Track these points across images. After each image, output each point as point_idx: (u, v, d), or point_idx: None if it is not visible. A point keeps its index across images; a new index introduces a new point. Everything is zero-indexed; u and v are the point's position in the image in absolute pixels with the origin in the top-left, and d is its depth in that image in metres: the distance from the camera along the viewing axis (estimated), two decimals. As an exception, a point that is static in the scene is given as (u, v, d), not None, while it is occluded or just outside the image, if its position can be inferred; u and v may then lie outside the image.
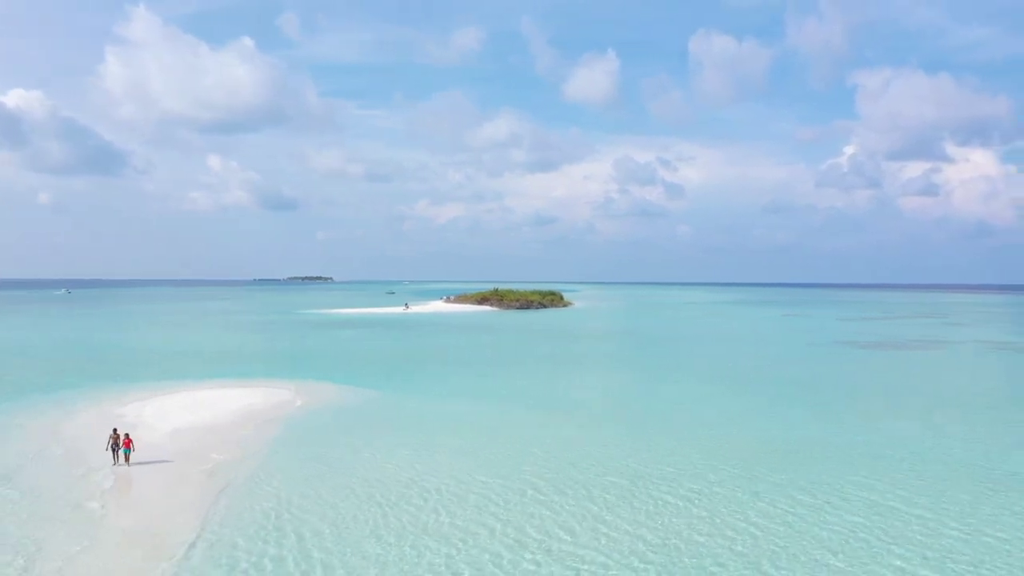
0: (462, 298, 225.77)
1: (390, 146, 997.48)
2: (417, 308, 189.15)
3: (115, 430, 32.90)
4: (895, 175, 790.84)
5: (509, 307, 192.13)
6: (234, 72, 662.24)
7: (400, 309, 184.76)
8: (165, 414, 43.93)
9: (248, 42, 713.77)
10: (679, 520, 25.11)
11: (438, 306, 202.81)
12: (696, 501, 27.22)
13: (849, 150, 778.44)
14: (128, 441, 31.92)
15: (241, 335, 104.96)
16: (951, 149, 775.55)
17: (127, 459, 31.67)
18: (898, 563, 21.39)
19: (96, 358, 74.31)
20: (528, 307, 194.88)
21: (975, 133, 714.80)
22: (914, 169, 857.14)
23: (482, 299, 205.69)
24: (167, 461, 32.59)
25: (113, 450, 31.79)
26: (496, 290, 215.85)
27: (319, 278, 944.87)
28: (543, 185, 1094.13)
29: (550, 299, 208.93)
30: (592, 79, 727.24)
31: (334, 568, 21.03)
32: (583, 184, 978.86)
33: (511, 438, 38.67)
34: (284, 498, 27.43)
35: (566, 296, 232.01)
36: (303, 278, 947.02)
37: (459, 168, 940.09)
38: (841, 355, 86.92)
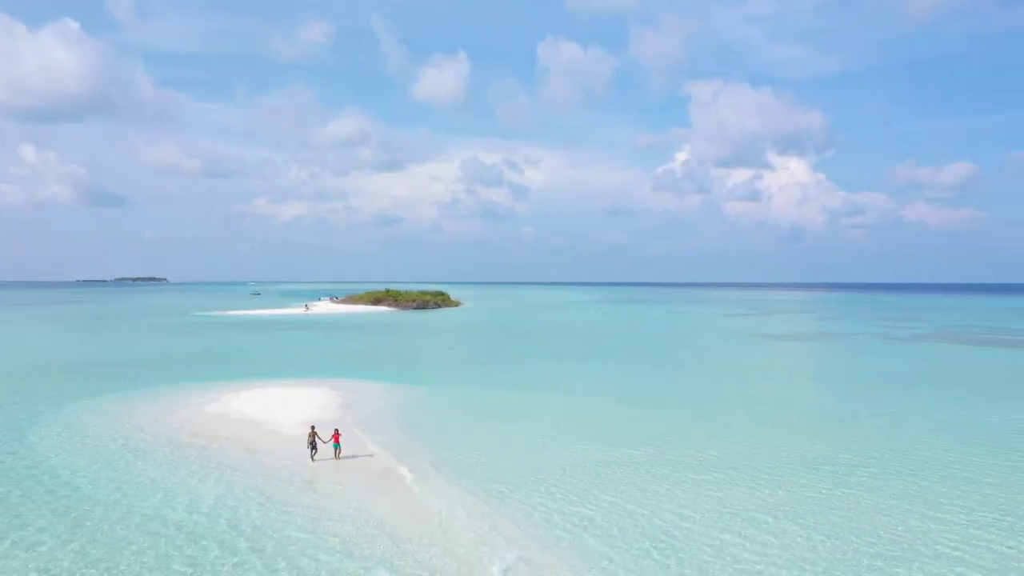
0: (352, 299, 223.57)
1: (230, 142, 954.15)
2: (316, 309, 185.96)
3: (313, 427, 33.89)
4: (722, 181, 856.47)
5: (407, 307, 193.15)
6: (55, 55, 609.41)
7: (301, 310, 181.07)
8: (260, 410, 44.20)
9: (72, 24, 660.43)
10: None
11: (333, 307, 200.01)
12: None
13: (682, 157, 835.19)
14: (337, 436, 33.16)
15: (183, 339, 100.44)
16: (772, 158, 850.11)
17: (336, 453, 32.92)
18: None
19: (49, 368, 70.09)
20: (425, 307, 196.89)
21: (792, 143, 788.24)
22: (739, 176, 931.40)
23: (376, 300, 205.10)
24: (356, 456, 34.00)
25: (312, 446, 32.87)
26: (388, 291, 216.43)
27: (152, 279, 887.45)
28: (389, 185, 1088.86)
29: (441, 299, 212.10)
30: (442, 80, 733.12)
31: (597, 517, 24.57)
32: (430, 184, 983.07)
33: (591, 421, 42.90)
34: (507, 476, 30.26)
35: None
36: (134, 279, 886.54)
37: (303, 166, 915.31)
38: (771, 346, 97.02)
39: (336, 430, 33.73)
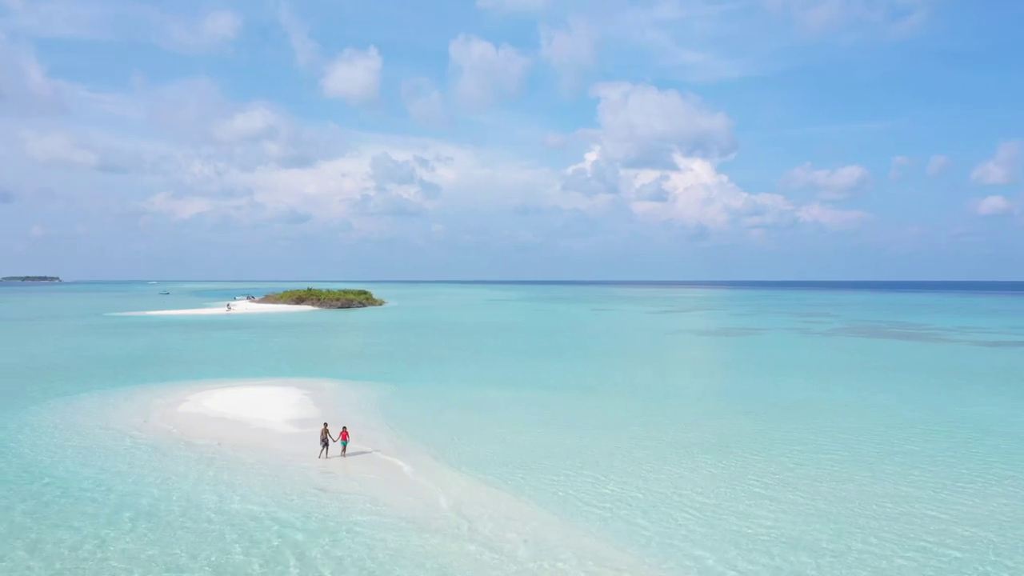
0: (272, 298, 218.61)
1: (126, 135, 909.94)
2: (237, 309, 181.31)
3: (326, 425, 34.15)
4: (631, 181, 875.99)
5: (331, 306, 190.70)
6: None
7: (223, 310, 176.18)
8: (238, 409, 43.90)
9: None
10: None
11: (254, 307, 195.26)
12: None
13: (592, 157, 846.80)
14: (344, 433, 33.65)
15: (113, 341, 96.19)
16: (678, 159, 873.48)
17: (344, 451, 33.43)
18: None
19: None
20: (350, 306, 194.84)
21: (697, 145, 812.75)
22: (647, 176, 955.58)
23: (299, 299, 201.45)
24: (363, 452, 34.57)
25: (324, 443, 33.27)
26: (310, 290, 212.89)
27: (43, 278, 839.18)
28: (299, 181, 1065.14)
29: (365, 298, 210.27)
30: (353, 76, 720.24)
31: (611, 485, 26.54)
32: (340, 181, 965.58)
33: (564, 411, 44.88)
34: (520, 460, 31.69)
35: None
36: (23, 278, 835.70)
37: (207, 161, 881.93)
38: (705, 340, 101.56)
39: (344, 428, 34.20)
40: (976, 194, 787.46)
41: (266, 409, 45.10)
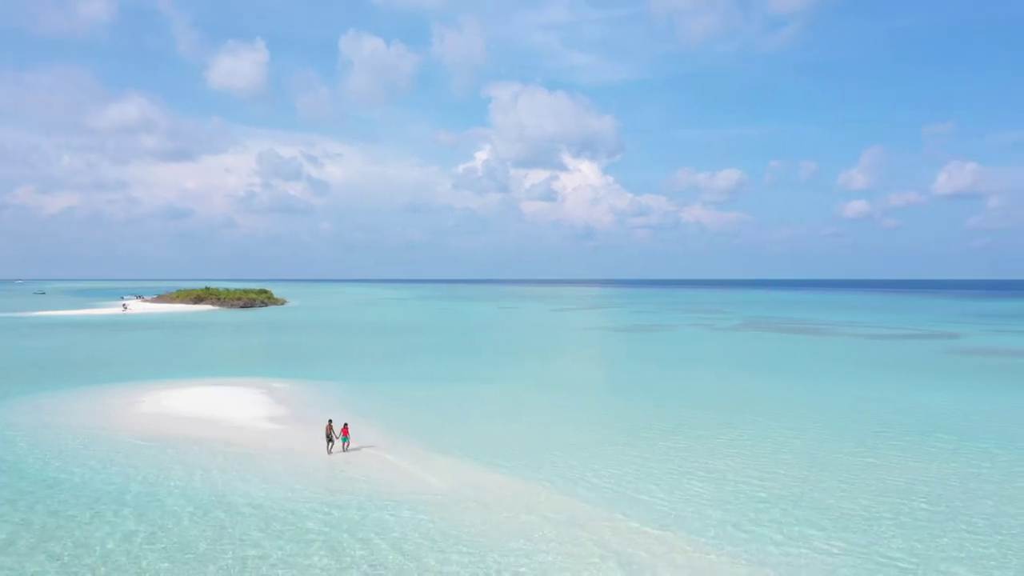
0: (166, 298, 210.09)
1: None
2: (134, 309, 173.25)
3: (330, 421, 34.67)
4: (521, 181, 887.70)
5: (232, 306, 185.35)
6: None
7: (118, 310, 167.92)
8: (203, 409, 43.48)
9: None
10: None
11: (151, 306, 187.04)
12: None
13: (482, 156, 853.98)
14: (346, 429, 34.41)
15: (25, 343, 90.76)
16: (567, 159, 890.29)
17: (345, 446, 34.19)
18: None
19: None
20: (252, 305, 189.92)
21: (586, 146, 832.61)
22: (537, 176, 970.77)
23: (197, 298, 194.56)
24: (359, 449, 35.40)
25: (329, 439, 33.89)
26: (208, 289, 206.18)
27: None
28: (178, 176, 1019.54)
29: (266, 297, 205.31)
30: (238, 68, 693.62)
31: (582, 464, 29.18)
32: (223, 176, 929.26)
33: (519, 403, 47.23)
34: (500, 449, 33.59)
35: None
36: None
37: (77, 153, 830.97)
38: (621, 336, 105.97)
39: (345, 424, 34.94)
40: (842, 198, 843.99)
41: (232, 408, 44.83)
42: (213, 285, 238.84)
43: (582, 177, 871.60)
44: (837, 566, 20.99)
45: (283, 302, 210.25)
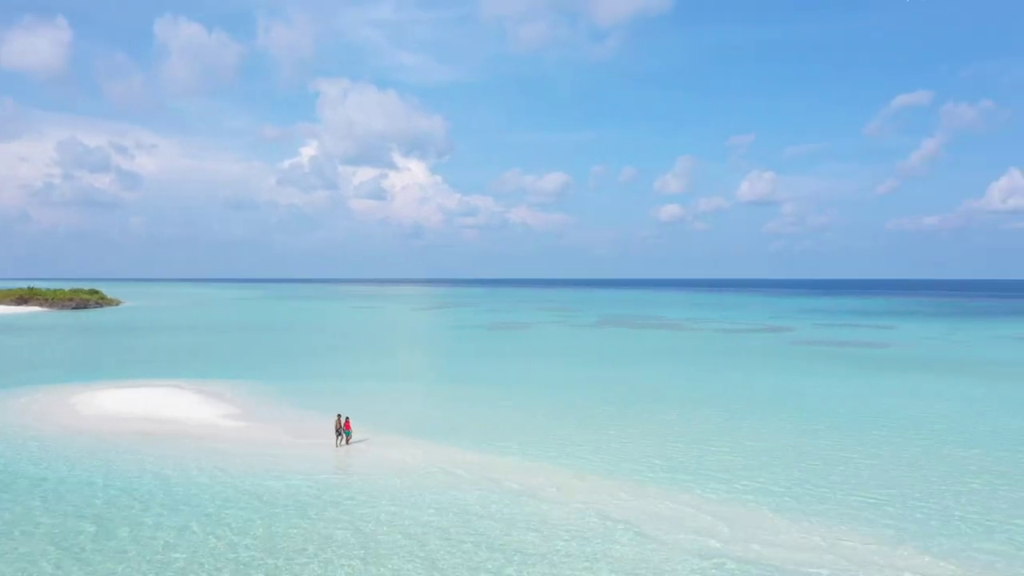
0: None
1: None
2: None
3: (339, 416, 35.87)
4: (349, 178, 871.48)
5: (64, 307, 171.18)
6: None
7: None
8: (143, 409, 42.67)
9: None
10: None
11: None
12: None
13: (309, 152, 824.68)
14: (348, 424, 35.65)
15: None
16: (396, 158, 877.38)
17: (347, 440, 35.43)
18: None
19: None
20: (85, 306, 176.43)
21: (415, 146, 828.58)
22: (366, 174, 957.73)
23: (21, 299, 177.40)
24: (359, 441, 36.81)
25: (338, 432, 35.24)
26: (31, 288, 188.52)
27: None
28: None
29: (100, 298, 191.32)
30: (33, 46, 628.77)
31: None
32: (16, 166, 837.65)
33: (455, 394, 50.48)
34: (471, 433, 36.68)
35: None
36: None
37: None
38: (494, 333, 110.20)
39: (347, 419, 36.14)
40: (658, 202, 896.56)
41: (182, 408, 44.26)
42: (7, 285, 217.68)
43: (412, 176, 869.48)
44: (708, 492, 26.06)
45: (118, 302, 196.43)
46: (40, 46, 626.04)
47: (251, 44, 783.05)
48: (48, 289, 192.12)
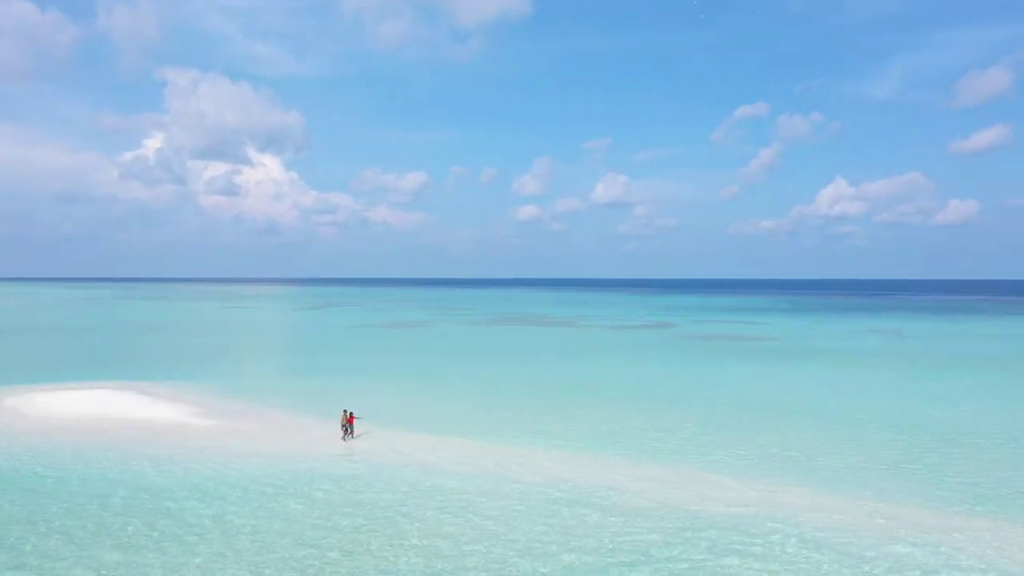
0: None
1: None
2: None
3: (345, 411, 36.73)
4: (199, 173, 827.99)
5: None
6: None
7: None
8: (94, 411, 41.34)
9: None
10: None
11: None
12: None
13: (155, 144, 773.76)
14: (352, 419, 36.39)
15: None
16: (251, 153, 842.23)
17: (352, 433, 36.21)
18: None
19: None
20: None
21: (271, 141, 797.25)
22: (217, 169, 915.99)
23: None
24: (362, 435, 37.50)
25: (344, 428, 36.14)
26: None
27: None
28: None
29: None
30: None
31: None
32: None
33: (400, 388, 52.27)
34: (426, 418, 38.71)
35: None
36: None
37: None
38: (396, 332, 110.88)
39: (352, 414, 36.82)
40: (516, 203, 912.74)
41: (137, 410, 43.15)
42: None
43: (267, 172, 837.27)
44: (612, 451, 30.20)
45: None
46: None
47: (90, 26, 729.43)
48: None
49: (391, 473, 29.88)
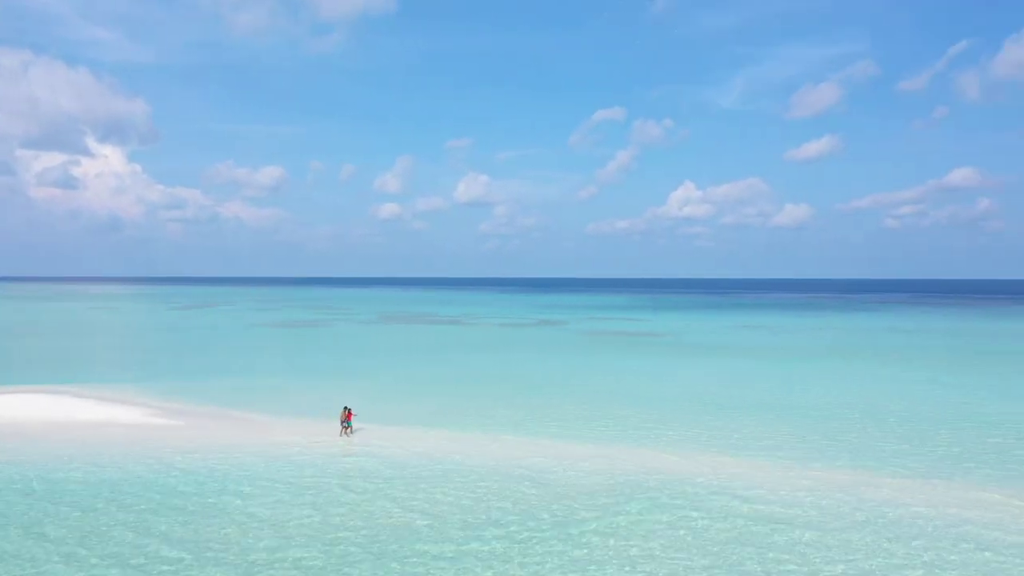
0: None
1: None
2: None
3: (345, 407, 38.96)
4: (30, 163, 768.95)
5: None
6: None
7: None
8: (54, 415, 42.22)
9: None
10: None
11: None
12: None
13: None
14: (350, 415, 38.75)
15: None
16: (91, 144, 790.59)
17: (350, 430, 38.55)
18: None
19: None
20: None
21: (113, 131, 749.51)
22: (51, 159, 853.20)
23: None
24: (360, 430, 40.39)
25: (344, 424, 38.38)
26: None
27: None
28: None
29: None
30: None
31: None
32: None
33: (368, 385, 55.84)
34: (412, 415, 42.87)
35: None
36: None
37: None
38: (298, 331, 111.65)
39: (350, 410, 39.16)
40: (377, 200, 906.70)
41: (91, 413, 44.17)
42: None
43: (108, 164, 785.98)
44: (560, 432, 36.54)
45: None
46: None
47: None
48: None
49: (376, 463, 33.56)
